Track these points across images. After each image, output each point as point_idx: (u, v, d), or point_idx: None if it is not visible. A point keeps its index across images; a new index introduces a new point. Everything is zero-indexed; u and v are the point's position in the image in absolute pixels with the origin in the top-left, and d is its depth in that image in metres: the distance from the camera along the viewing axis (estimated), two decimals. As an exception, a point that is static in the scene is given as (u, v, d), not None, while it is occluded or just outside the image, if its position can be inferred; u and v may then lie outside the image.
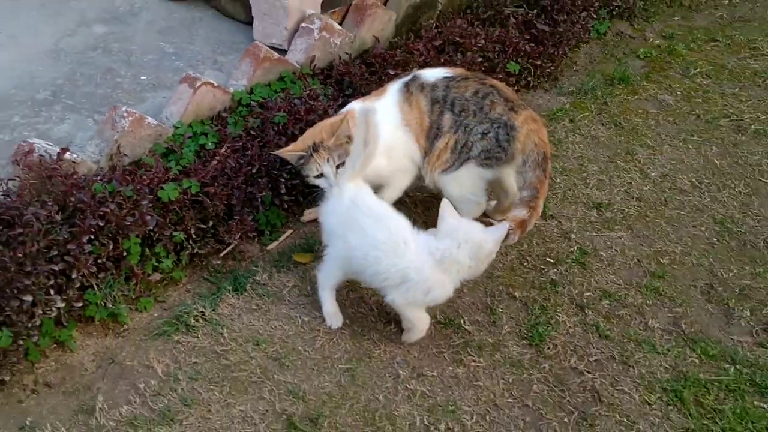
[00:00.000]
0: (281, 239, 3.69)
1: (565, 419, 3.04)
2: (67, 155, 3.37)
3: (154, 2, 4.81)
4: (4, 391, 2.94)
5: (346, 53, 4.39)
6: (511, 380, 3.15)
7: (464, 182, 3.52)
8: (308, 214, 3.76)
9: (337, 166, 3.37)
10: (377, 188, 3.44)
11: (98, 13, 4.69)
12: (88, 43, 4.45)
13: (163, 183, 3.40)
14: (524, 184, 3.44)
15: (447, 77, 3.59)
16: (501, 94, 3.54)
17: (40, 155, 3.29)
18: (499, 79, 4.60)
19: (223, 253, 3.52)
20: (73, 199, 3.19)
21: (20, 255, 2.93)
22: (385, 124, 3.29)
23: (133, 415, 2.90)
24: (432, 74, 3.63)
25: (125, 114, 3.59)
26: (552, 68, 4.89)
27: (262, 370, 3.10)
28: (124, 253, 3.24)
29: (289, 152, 3.45)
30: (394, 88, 3.62)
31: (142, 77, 4.25)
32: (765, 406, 3.13)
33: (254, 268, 3.53)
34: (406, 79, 3.64)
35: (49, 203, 3.14)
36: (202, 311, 3.28)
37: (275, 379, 3.07)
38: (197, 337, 3.19)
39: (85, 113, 3.92)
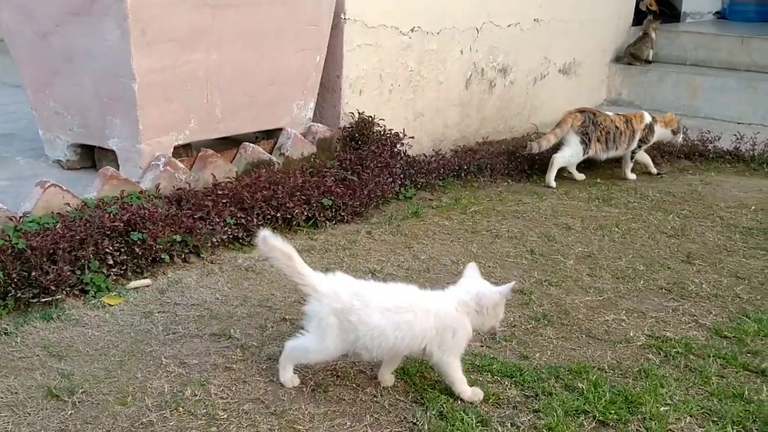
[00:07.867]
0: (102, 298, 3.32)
1: (303, 389, 2.63)
2: None
3: (51, 170, 4.64)
4: None
5: (188, 183, 4.28)
6: (264, 367, 2.75)
7: None
8: (133, 283, 3.43)
9: None
10: None
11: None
12: None
13: (-9, 237, 3.11)
14: None
15: None
16: None
17: None
18: (314, 210, 4.52)
19: (46, 299, 3.13)
20: None
21: None
22: None
23: None
24: None
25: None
26: (361, 209, 4.78)
27: (41, 362, 2.67)
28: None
29: None
30: None
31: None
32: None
33: (67, 306, 3.15)
34: None
35: None
36: (5, 328, 2.87)
37: (50, 366, 2.65)
38: (-7, 344, 2.77)
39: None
